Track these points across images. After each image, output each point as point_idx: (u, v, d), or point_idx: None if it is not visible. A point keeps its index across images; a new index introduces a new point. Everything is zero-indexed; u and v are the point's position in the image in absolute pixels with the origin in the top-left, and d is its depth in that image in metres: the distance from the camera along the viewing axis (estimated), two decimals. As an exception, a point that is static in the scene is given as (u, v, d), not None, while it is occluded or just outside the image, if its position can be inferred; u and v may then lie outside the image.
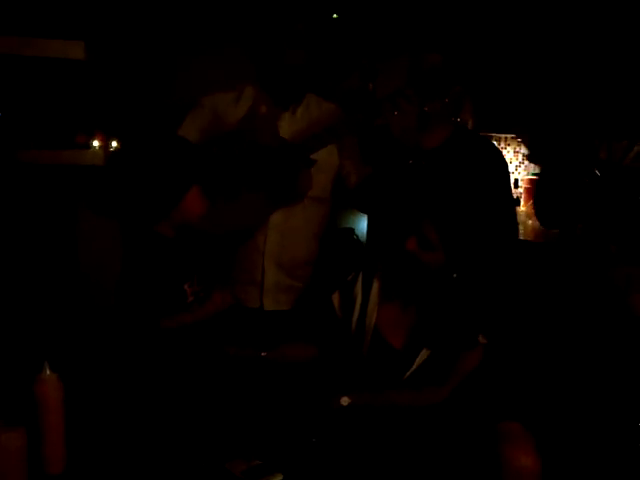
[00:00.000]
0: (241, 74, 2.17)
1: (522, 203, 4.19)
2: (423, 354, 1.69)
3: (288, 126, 2.07)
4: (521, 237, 3.14)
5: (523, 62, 3.63)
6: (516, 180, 4.27)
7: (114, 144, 2.56)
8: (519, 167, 4.40)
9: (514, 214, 2.34)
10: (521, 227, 3.48)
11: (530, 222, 3.87)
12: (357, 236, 3.50)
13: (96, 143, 2.45)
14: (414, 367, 1.68)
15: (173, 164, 1.70)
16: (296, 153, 1.96)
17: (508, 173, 2.29)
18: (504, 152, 4.30)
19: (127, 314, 1.65)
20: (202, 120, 2.08)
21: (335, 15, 3.81)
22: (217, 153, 1.93)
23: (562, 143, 2.43)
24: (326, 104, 2.19)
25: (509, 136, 4.33)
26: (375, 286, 1.81)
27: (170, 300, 1.68)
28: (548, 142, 3.62)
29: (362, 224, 3.31)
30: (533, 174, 4.13)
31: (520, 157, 4.37)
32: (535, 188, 3.79)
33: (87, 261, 2.17)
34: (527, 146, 4.10)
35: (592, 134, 2.20)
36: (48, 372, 1.30)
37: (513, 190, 3.74)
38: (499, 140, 4.26)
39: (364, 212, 2.53)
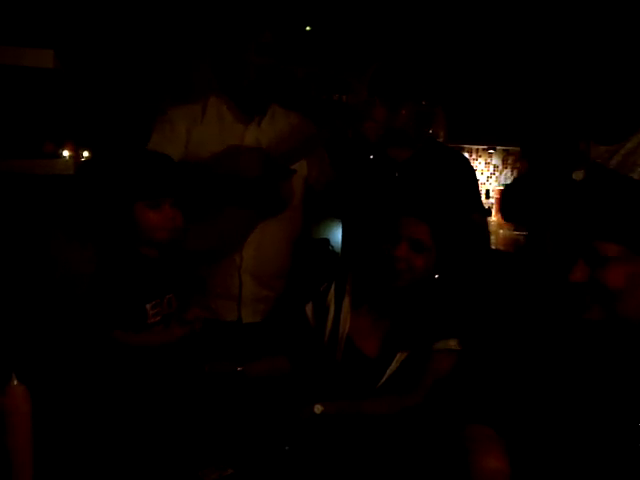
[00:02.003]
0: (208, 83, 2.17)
1: (493, 213, 4.25)
2: (396, 361, 1.69)
3: (254, 136, 2.08)
4: (492, 246, 3.18)
5: (495, 73, 3.69)
6: (487, 191, 4.34)
7: (85, 154, 2.55)
8: (490, 178, 4.47)
9: (485, 221, 2.38)
10: (493, 236, 3.53)
11: (501, 232, 3.93)
12: (332, 247, 3.51)
13: (66, 153, 2.43)
14: (386, 376, 1.69)
15: (115, 182, 1.68)
16: (274, 166, 1.96)
17: (476, 181, 2.34)
18: (475, 163, 4.37)
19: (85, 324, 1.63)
20: (171, 133, 2.05)
21: (308, 27, 3.85)
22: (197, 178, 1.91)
23: (540, 150, 2.48)
24: (293, 115, 2.21)
25: (480, 147, 4.40)
26: (347, 296, 1.81)
27: (129, 317, 1.65)
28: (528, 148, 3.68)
29: (337, 235, 3.33)
30: (504, 185, 4.20)
31: (491, 168, 4.44)
32: (512, 183, 3.83)
33: (61, 272, 2.13)
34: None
35: (573, 138, 2.24)
36: (15, 383, 1.27)
37: (484, 200, 3.82)
38: (470, 152, 4.33)
39: (337, 217, 2.55)
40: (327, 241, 3.55)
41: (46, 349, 1.78)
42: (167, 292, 1.73)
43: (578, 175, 1.66)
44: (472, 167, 2.35)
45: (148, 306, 1.67)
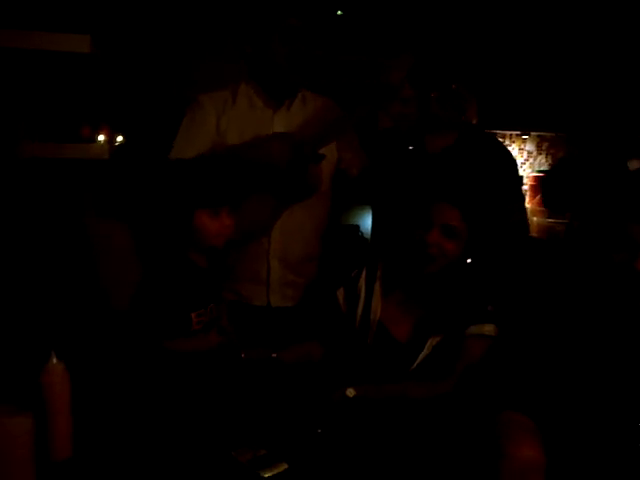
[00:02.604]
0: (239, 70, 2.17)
1: (527, 200, 4.19)
2: (428, 346, 1.69)
3: (284, 121, 2.08)
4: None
5: (528, 58, 3.62)
6: (521, 177, 4.27)
7: (119, 139, 2.57)
8: (524, 164, 4.39)
9: (524, 209, 2.34)
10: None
11: (535, 219, 3.87)
12: (362, 233, 3.50)
13: (101, 137, 2.46)
14: (418, 360, 1.68)
15: (175, 190, 1.70)
16: (305, 150, 1.96)
17: (517, 170, 2.30)
18: (508, 150, 4.31)
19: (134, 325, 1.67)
20: (202, 119, 2.06)
21: (339, 12, 3.82)
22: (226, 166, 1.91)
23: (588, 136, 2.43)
24: (322, 99, 2.19)
25: (514, 133, 4.33)
26: (378, 281, 1.81)
27: (175, 324, 1.68)
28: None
29: (367, 221, 3.31)
30: (538, 171, 4.13)
31: (525, 154, 4.37)
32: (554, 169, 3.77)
33: (105, 260, 2.17)
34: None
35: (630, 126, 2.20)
36: (55, 361, 1.30)
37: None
38: (504, 137, 4.26)
39: (367, 203, 2.53)
40: (357, 227, 3.54)
41: (85, 328, 1.82)
42: (210, 301, 1.77)
43: (633, 164, 1.62)
44: (511, 157, 2.30)
45: (194, 314, 1.71)
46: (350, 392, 1.61)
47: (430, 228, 1.69)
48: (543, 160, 4.29)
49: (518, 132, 4.29)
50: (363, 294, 1.81)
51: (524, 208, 2.36)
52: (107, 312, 1.89)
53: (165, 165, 1.82)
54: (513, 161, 2.27)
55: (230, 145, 1.99)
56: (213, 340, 1.71)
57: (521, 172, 4.33)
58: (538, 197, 3.92)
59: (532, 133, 4.28)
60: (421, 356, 1.68)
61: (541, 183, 3.86)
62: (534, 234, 3.53)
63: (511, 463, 1.23)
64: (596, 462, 1.27)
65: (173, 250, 1.73)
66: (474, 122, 3.51)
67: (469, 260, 1.73)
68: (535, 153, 4.36)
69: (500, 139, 3.98)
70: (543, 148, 4.33)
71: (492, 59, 3.54)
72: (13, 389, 1.32)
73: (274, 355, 1.74)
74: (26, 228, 2.13)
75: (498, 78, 3.64)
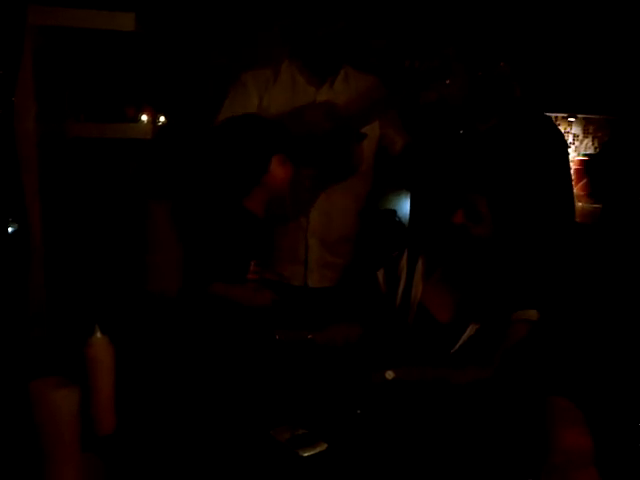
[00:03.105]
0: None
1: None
2: (471, 329, 1.66)
3: (326, 98, 2.05)
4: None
5: (575, 39, 3.52)
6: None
7: (162, 119, 2.59)
8: (569, 148, 4.28)
9: (572, 194, 2.28)
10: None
11: (580, 204, 3.78)
12: (399, 218, 3.47)
13: (144, 117, 2.48)
14: (461, 342, 1.66)
15: (251, 137, 1.76)
16: (348, 128, 1.94)
17: (567, 155, 2.23)
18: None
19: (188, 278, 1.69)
20: (244, 97, 2.06)
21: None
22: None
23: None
24: (365, 76, 2.17)
25: (559, 115, 4.21)
26: (420, 263, 1.79)
27: (232, 270, 1.70)
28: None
29: (404, 206, 3.28)
30: (584, 155, 4.03)
31: (571, 137, 4.26)
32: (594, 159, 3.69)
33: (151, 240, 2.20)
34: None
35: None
36: (99, 335, 1.32)
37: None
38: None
39: (407, 184, 2.49)
40: (394, 212, 3.51)
41: (132, 301, 1.85)
42: (265, 254, 1.81)
43: None
44: (563, 137, 2.23)
45: (253, 262, 1.75)
46: (389, 374, 1.60)
47: (455, 210, 1.67)
48: (589, 144, 4.17)
49: (564, 114, 4.18)
50: (404, 275, 1.79)
51: (571, 193, 2.29)
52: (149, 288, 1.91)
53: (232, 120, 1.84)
54: (561, 141, 2.20)
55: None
56: (267, 297, 1.74)
57: (566, 156, 4.23)
58: (583, 182, 3.82)
59: (579, 115, 4.17)
60: (463, 338, 1.66)
61: (587, 167, 3.76)
62: (578, 219, 3.45)
63: (560, 451, 1.20)
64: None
65: (231, 201, 1.76)
66: (518, 95, 3.43)
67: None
68: (581, 136, 4.25)
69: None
70: (590, 131, 4.22)
71: (539, 40, 3.45)
72: (59, 362, 1.35)
73: (310, 336, 1.74)
74: (76, 207, 2.17)
75: (545, 59, 3.54)
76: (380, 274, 1.85)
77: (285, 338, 1.73)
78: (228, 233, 1.71)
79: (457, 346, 1.66)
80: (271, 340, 1.72)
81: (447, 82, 1.92)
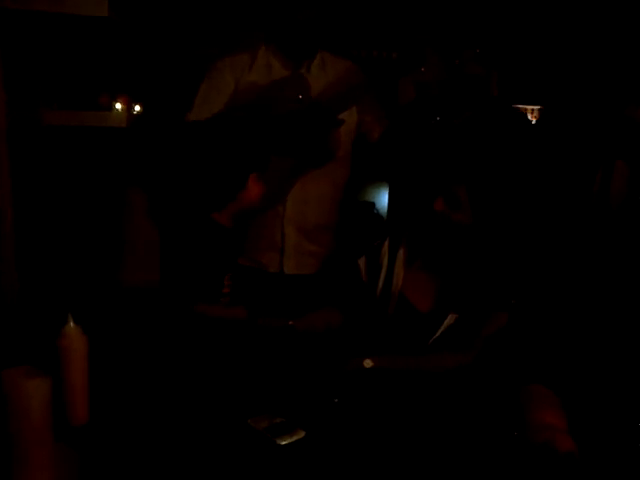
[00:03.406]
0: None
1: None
2: (450, 318, 1.66)
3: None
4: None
5: (551, 32, 3.54)
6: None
7: (137, 108, 2.55)
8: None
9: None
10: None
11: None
12: (377, 210, 3.48)
13: (119, 105, 2.44)
14: (440, 331, 1.66)
15: (234, 155, 1.74)
16: (324, 114, 1.93)
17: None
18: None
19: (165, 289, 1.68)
20: (220, 82, 2.04)
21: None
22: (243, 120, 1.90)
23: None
24: (342, 61, 2.15)
25: (536, 107, 4.24)
26: (401, 252, 1.78)
27: (207, 286, 1.70)
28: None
29: (383, 199, 3.29)
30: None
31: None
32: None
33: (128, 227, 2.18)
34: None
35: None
36: (72, 324, 1.30)
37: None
38: (525, 111, 4.18)
39: (386, 173, 2.49)
40: (372, 205, 3.52)
41: (106, 291, 1.83)
42: (236, 266, 1.81)
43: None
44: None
45: (226, 277, 1.75)
46: (367, 363, 1.59)
47: (435, 197, 1.67)
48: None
49: (540, 106, 4.21)
50: (385, 263, 1.78)
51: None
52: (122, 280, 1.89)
53: (190, 127, 1.82)
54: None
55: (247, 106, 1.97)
56: (240, 312, 1.73)
57: (542, 147, 4.27)
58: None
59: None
60: (442, 328, 1.66)
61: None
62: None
63: (534, 422, 1.22)
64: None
65: (196, 213, 1.74)
66: (494, 94, 3.46)
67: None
68: (558, 128, 4.28)
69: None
70: (565, 123, 4.26)
71: (514, 32, 3.46)
72: (31, 352, 1.32)
73: (290, 323, 1.73)
74: (50, 195, 2.13)
75: (520, 52, 3.56)
76: (361, 262, 1.84)
77: (267, 324, 1.72)
78: (198, 247, 1.70)
79: (436, 335, 1.66)
80: (253, 326, 1.72)
81: (422, 70, 1.92)
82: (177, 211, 1.79)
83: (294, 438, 1.29)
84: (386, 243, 1.81)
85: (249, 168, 1.75)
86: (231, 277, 1.78)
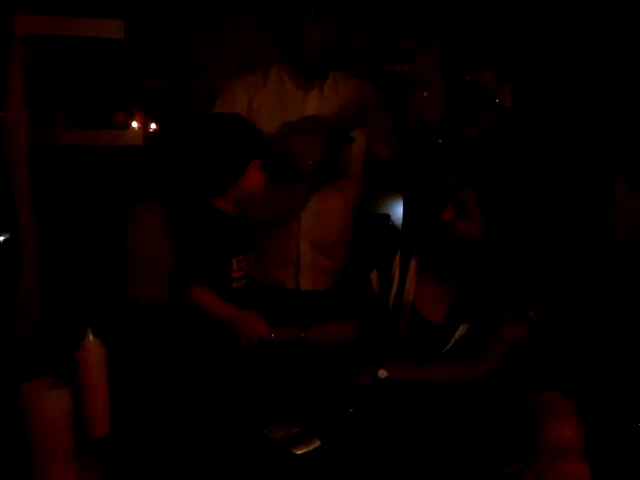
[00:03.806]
0: (257, 48, 2.16)
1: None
2: (461, 329, 1.67)
3: (317, 103, 2.07)
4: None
5: (562, 41, 3.55)
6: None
7: (152, 126, 2.60)
8: (558, 150, 4.31)
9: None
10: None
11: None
12: (393, 222, 3.49)
13: (135, 124, 2.49)
14: (452, 342, 1.67)
15: (236, 137, 1.74)
16: (337, 132, 1.95)
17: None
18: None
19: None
20: (233, 101, 2.06)
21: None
22: None
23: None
24: (355, 80, 2.17)
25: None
26: (413, 263, 1.80)
27: (216, 270, 1.71)
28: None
29: (398, 210, 3.30)
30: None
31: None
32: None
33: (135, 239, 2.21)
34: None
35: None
36: (91, 337, 1.32)
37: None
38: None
39: (398, 186, 2.51)
40: (388, 216, 3.53)
41: (123, 305, 1.85)
42: (247, 250, 1.80)
43: None
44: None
45: (234, 260, 1.74)
46: (382, 373, 1.60)
47: (445, 206, 1.69)
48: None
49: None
50: (397, 276, 1.80)
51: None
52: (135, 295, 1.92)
53: (216, 119, 1.85)
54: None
55: (260, 125, 1.99)
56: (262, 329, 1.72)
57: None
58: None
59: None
60: (454, 338, 1.67)
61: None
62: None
63: (547, 440, 1.21)
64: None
65: (202, 200, 1.76)
66: (508, 105, 3.46)
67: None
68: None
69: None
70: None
71: (525, 43, 3.47)
72: (52, 365, 1.35)
73: (302, 335, 1.75)
74: (66, 213, 2.17)
75: (530, 63, 3.57)
76: (374, 276, 1.86)
77: (279, 336, 1.73)
78: (202, 232, 1.71)
79: (448, 346, 1.67)
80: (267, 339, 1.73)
81: (425, 95, 1.94)
82: (183, 198, 1.80)
83: (310, 447, 1.31)
84: (398, 255, 1.83)
85: (248, 155, 1.75)
86: (241, 261, 1.77)
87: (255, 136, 1.77)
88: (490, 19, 2.82)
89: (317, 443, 1.32)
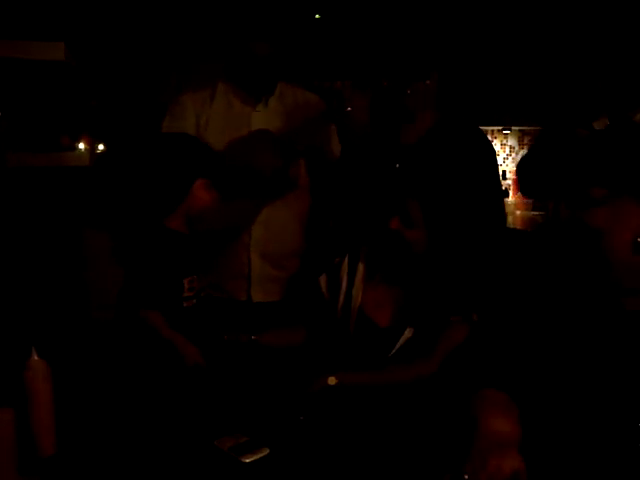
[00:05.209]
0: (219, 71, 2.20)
1: (510, 194, 4.24)
2: (407, 332, 1.71)
3: (262, 119, 2.10)
4: (510, 226, 3.18)
5: (510, 55, 3.67)
6: (504, 172, 4.32)
7: (100, 147, 2.60)
8: (507, 159, 4.44)
9: (502, 203, 2.35)
10: (510, 217, 3.53)
11: (518, 212, 3.92)
12: (335, 226, 3.51)
13: (82, 145, 2.49)
14: (398, 345, 1.71)
15: (177, 158, 1.76)
16: (284, 145, 1.98)
17: (496, 162, 2.30)
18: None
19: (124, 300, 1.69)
20: (182, 117, 2.08)
21: (317, 15, 3.86)
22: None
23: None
24: (300, 91, 2.21)
25: (496, 129, 4.38)
26: (360, 268, 1.84)
27: (167, 290, 1.71)
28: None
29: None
30: (520, 165, 4.18)
31: (507, 149, 4.42)
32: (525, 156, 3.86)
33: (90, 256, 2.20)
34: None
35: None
36: (36, 357, 1.32)
37: (501, 181, 3.79)
38: (486, 133, 4.30)
39: (343, 195, 2.53)
40: (331, 222, 3.55)
41: (67, 326, 1.84)
42: (199, 269, 1.81)
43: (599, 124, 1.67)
44: (492, 146, 2.30)
45: (186, 280, 1.75)
46: (332, 380, 1.63)
47: (392, 216, 1.74)
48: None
49: (499, 127, 4.34)
50: (345, 281, 1.83)
51: (501, 199, 2.37)
52: (88, 314, 1.91)
53: (165, 137, 1.86)
54: (490, 151, 2.26)
55: (209, 142, 2.01)
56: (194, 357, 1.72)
57: (504, 167, 4.38)
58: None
59: (513, 128, 4.33)
60: (400, 341, 1.71)
61: (517, 169, 3.92)
62: (517, 226, 3.57)
63: (484, 436, 1.24)
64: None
65: (152, 220, 1.77)
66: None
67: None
68: (517, 148, 4.42)
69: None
70: (525, 142, 4.39)
71: (473, 55, 3.58)
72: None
73: (253, 337, 1.77)
74: (15, 233, 2.15)
75: (479, 74, 3.68)
76: (322, 280, 1.89)
77: (232, 339, 1.76)
78: (153, 253, 1.72)
79: (395, 349, 1.71)
80: (219, 341, 1.75)
81: (348, 109, 1.99)
82: (131, 218, 1.80)
83: (258, 456, 1.32)
84: (345, 260, 1.87)
85: (190, 175, 1.76)
86: (193, 281, 1.78)
87: (198, 156, 1.78)
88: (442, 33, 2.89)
89: (266, 451, 1.34)
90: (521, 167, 2.63)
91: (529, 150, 3.39)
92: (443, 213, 1.81)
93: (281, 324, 1.95)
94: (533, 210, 3.81)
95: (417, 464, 1.33)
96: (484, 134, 2.36)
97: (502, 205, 2.31)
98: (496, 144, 4.43)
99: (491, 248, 2.06)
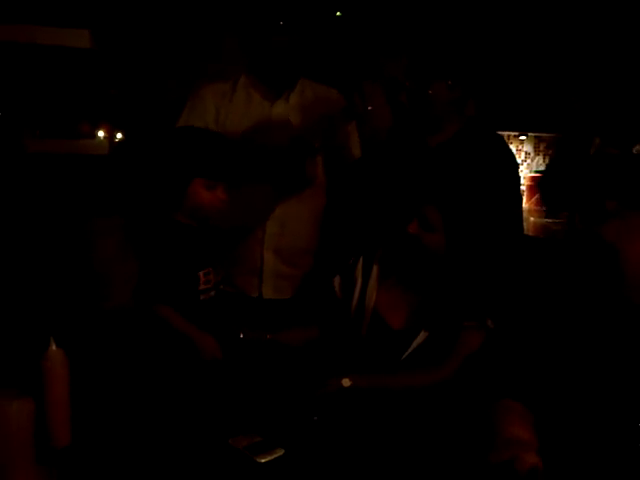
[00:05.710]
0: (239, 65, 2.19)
1: (524, 200, 4.21)
2: (421, 335, 1.70)
3: (282, 112, 2.10)
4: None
5: (527, 58, 3.65)
6: (518, 177, 4.28)
7: (119, 135, 2.60)
8: (521, 165, 4.41)
9: (520, 211, 2.33)
10: (524, 223, 3.50)
11: (532, 219, 3.89)
12: (353, 226, 3.50)
13: (101, 133, 2.48)
14: (411, 348, 1.70)
15: (176, 156, 1.72)
16: (302, 142, 1.98)
17: (517, 170, 2.28)
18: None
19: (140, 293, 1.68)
20: (201, 109, 2.09)
21: (338, 13, 3.84)
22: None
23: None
24: (322, 88, 2.20)
25: (511, 134, 4.34)
26: (375, 269, 1.83)
27: (182, 283, 1.70)
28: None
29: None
30: (536, 171, 4.15)
31: (523, 155, 4.39)
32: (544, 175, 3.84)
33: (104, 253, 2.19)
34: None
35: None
36: (54, 347, 1.31)
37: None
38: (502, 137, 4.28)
39: (362, 196, 2.52)
40: (348, 220, 3.54)
41: (85, 316, 1.84)
42: (215, 261, 1.79)
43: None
44: (514, 156, 2.28)
45: (200, 273, 1.73)
46: (346, 382, 1.62)
47: (411, 220, 1.73)
48: (540, 161, 4.31)
49: (516, 133, 4.31)
50: (360, 282, 1.82)
51: (520, 208, 2.35)
52: (104, 303, 1.91)
53: (170, 132, 1.84)
54: (512, 160, 2.25)
55: (228, 134, 2.00)
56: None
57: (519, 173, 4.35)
58: (535, 197, 3.94)
59: (529, 134, 4.30)
60: (414, 344, 1.70)
61: (539, 183, 3.89)
62: (530, 233, 3.55)
63: (505, 439, 1.25)
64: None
65: (160, 213, 1.75)
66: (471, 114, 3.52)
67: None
68: (533, 154, 4.38)
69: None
70: (540, 149, 4.36)
71: (490, 59, 3.55)
72: (14, 375, 1.34)
73: (269, 336, 1.76)
74: (30, 220, 2.15)
75: (496, 78, 3.66)
76: (336, 281, 1.88)
77: (248, 337, 1.75)
78: (165, 246, 1.70)
79: (408, 351, 1.70)
80: (235, 338, 1.74)
81: (369, 108, 1.98)
82: (142, 210, 1.79)
83: (273, 456, 1.32)
84: (360, 261, 1.86)
85: (185, 176, 1.71)
86: (208, 274, 1.76)
87: (199, 155, 1.72)
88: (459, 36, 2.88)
89: (281, 452, 1.33)
90: (543, 182, 2.61)
91: (549, 165, 3.38)
92: (462, 218, 1.80)
93: (292, 322, 1.95)
94: (546, 217, 3.78)
95: (429, 467, 1.33)
96: (506, 143, 2.34)
97: (521, 213, 2.31)
98: (511, 149, 4.39)
99: (508, 255, 2.06)
